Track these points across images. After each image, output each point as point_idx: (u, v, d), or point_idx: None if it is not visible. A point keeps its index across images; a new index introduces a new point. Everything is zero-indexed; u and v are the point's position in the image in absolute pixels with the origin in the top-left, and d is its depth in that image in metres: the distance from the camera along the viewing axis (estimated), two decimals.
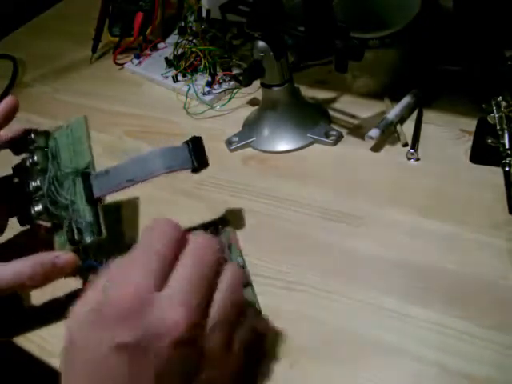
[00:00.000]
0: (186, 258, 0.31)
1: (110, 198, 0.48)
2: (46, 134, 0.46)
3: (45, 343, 0.42)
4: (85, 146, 0.44)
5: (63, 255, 0.39)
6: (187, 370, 0.28)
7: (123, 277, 0.28)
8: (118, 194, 0.43)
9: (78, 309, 0.29)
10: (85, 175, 0.43)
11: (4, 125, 0.44)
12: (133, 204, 0.52)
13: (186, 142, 0.43)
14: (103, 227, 0.41)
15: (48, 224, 0.43)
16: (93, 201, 0.42)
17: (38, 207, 0.42)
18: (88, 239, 0.41)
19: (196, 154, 0.42)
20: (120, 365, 0.26)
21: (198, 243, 0.32)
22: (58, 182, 0.43)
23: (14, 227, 0.46)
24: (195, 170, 0.42)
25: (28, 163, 0.44)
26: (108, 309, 0.27)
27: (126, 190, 0.43)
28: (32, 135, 0.45)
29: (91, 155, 0.44)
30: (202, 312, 0.29)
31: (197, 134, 0.44)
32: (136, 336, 0.26)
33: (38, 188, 0.43)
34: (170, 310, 0.27)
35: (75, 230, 0.41)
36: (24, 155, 0.46)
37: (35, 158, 0.44)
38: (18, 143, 0.45)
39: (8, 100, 0.44)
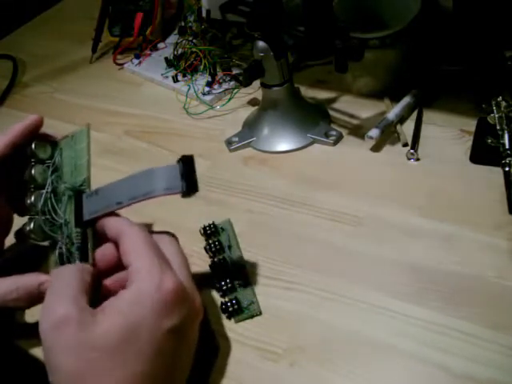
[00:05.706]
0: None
1: None
2: (53, 144, 0.44)
3: None
4: (83, 160, 0.42)
5: (48, 282, 0.38)
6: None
7: (162, 277, 0.34)
8: None
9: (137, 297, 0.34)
10: (78, 195, 0.41)
11: (25, 140, 0.43)
12: None
13: (178, 161, 0.38)
14: (90, 253, 0.39)
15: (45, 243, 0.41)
16: (81, 224, 0.39)
17: (30, 226, 0.40)
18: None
19: (187, 177, 0.37)
20: (171, 342, 0.33)
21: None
22: (55, 197, 0.41)
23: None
24: (185, 195, 0.37)
25: (27, 177, 0.42)
26: (159, 301, 0.33)
27: None
28: (33, 146, 0.43)
29: (88, 171, 0.41)
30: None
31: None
32: (180, 319, 0.34)
33: (32, 205, 0.41)
34: (195, 296, 0.36)
35: (65, 252, 0.39)
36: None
37: (33, 172, 0.42)
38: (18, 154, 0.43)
39: (33, 117, 0.44)
